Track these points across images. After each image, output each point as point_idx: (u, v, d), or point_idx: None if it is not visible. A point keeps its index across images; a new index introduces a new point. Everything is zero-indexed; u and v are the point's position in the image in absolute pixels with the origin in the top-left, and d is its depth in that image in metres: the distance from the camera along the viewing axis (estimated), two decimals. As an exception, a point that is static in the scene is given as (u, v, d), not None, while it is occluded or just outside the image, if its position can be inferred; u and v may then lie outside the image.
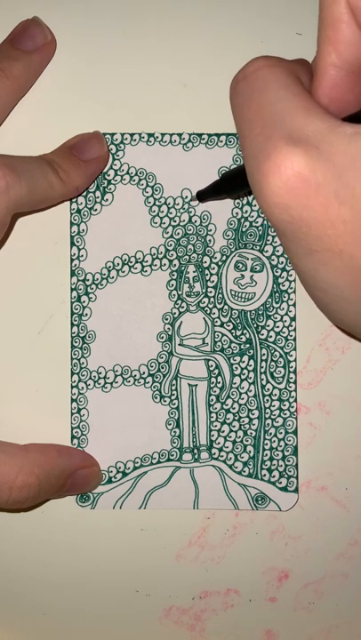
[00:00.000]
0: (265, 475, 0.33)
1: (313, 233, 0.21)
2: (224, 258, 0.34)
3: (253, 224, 0.34)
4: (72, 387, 0.34)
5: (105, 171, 0.33)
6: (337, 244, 0.21)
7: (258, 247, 0.34)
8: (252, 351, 0.33)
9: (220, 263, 0.34)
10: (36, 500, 0.31)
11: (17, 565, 0.34)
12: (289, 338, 0.33)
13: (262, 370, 0.33)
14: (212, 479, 0.33)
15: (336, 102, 0.23)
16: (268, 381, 0.33)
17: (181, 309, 0.34)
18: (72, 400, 0.34)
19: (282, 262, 0.34)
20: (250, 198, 0.33)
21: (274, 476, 0.33)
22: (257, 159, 0.21)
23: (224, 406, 0.34)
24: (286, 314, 0.33)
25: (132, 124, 0.33)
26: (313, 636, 0.34)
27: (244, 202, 0.33)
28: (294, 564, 0.34)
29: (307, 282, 0.23)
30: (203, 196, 0.33)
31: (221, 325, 0.34)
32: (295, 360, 0.33)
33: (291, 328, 0.33)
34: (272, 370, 0.33)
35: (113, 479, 0.34)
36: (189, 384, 0.34)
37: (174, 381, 0.34)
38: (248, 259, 0.34)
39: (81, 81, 0.33)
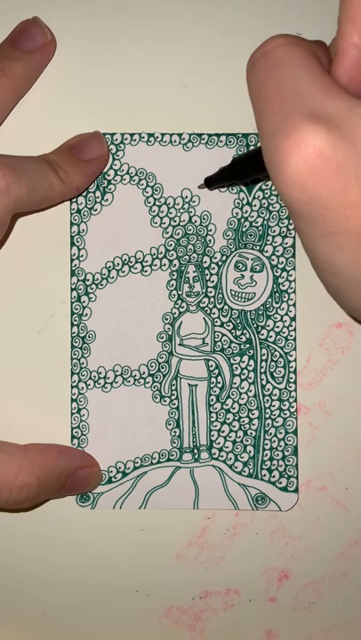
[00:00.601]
0: (265, 475, 0.33)
1: (331, 214, 0.20)
2: (224, 258, 0.34)
3: (253, 224, 0.34)
4: (72, 387, 0.34)
5: (105, 171, 0.33)
6: (356, 227, 0.20)
7: (258, 247, 0.34)
8: (252, 351, 0.33)
9: (220, 263, 0.34)
10: (35, 500, 0.31)
11: (17, 565, 0.34)
12: (289, 338, 0.33)
13: (262, 370, 0.33)
14: (212, 479, 0.33)
15: (356, 83, 0.22)
16: (268, 381, 0.33)
17: (181, 309, 0.34)
18: (72, 400, 0.34)
19: (282, 262, 0.34)
20: (250, 198, 0.33)
21: (274, 476, 0.33)
22: (275, 137, 0.21)
23: (224, 406, 0.34)
24: (286, 314, 0.33)
25: (132, 124, 0.33)
26: (313, 636, 0.34)
27: (244, 202, 0.33)
28: (294, 564, 0.34)
29: (321, 266, 0.23)
30: (211, 182, 0.32)
31: (221, 325, 0.34)
32: (295, 360, 0.33)
33: (291, 328, 0.33)
34: (272, 370, 0.33)
35: (113, 479, 0.34)
36: (189, 384, 0.34)
37: (174, 381, 0.34)
38: (248, 259, 0.34)
39: (81, 81, 0.33)
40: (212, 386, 0.34)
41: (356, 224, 0.20)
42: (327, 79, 0.21)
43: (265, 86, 0.22)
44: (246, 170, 0.30)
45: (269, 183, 0.33)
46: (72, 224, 0.34)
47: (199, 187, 0.33)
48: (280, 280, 0.33)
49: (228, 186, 0.33)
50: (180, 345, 0.34)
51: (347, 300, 0.23)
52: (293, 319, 0.33)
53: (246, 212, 0.33)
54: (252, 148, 0.33)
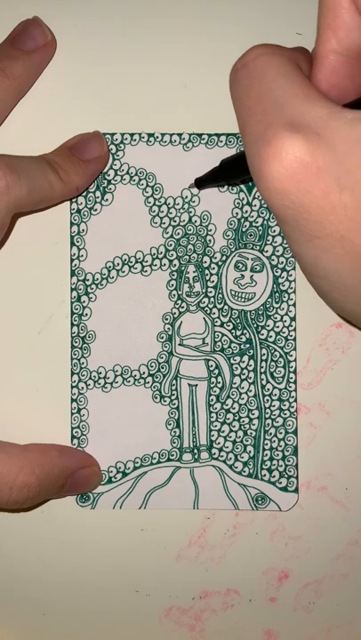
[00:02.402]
0: (265, 475, 0.33)
1: (314, 219, 0.21)
2: (224, 258, 0.34)
3: (253, 224, 0.34)
4: (72, 387, 0.34)
5: (105, 171, 0.33)
6: (338, 230, 0.21)
7: (258, 247, 0.34)
8: (252, 351, 0.33)
9: (220, 263, 0.34)
10: (35, 500, 0.31)
11: (17, 565, 0.34)
12: (289, 338, 0.33)
13: (262, 370, 0.33)
14: (212, 479, 0.33)
15: (336, 89, 0.23)
16: (268, 381, 0.33)
17: (181, 309, 0.34)
18: (72, 400, 0.34)
19: (282, 262, 0.34)
20: (250, 198, 0.33)
21: (274, 476, 0.33)
22: (257, 145, 0.21)
23: (224, 406, 0.34)
24: (286, 314, 0.33)
25: (132, 124, 0.33)
26: (313, 636, 0.34)
27: (244, 202, 0.33)
28: (294, 564, 0.34)
29: (308, 270, 0.23)
30: (201, 183, 0.32)
31: (221, 325, 0.34)
32: (295, 360, 0.33)
33: (291, 328, 0.33)
34: (272, 370, 0.33)
35: (113, 479, 0.34)
36: (189, 384, 0.34)
37: (174, 381, 0.34)
38: (248, 259, 0.34)
39: (81, 81, 0.33)
40: (212, 386, 0.34)
41: (338, 228, 0.21)
42: (307, 87, 0.22)
43: (246, 96, 0.23)
44: (234, 172, 0.30)
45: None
46: (72, 224, 0.34)
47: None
48: (280, 280, 0.33)
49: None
50: (180, 345, 0.34)
51: (335, 302, 0.24)
52: (293, 319, 0.33)
53: (246, 212, 0.33)
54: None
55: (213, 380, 0.34)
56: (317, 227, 0.21)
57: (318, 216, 0.21)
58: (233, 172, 0.30)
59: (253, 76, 0.23)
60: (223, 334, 0.34)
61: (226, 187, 0.33)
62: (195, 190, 0.33)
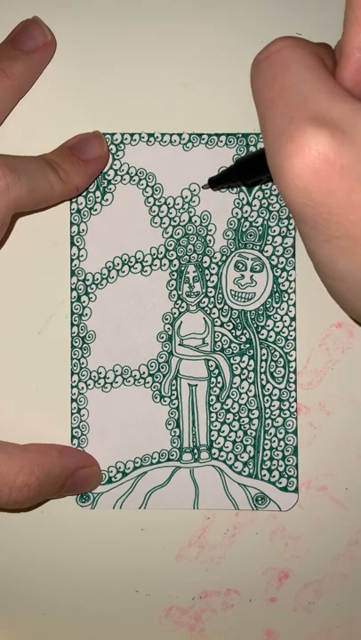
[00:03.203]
0: (265, 475, 0.33)
1: (334, 219, 0.20)
2: (224, 258, 0.34)
3: (253, 224, 0.34)
4: (72, 387, 0.34)
5: (105, 171, 0.33)
6: (359, 231, 0.20)
7: (258, 247, 0.34)
8: (252, 351, 0.33)
9: (220, 263, 0.34)
10: (35, 500, 0.31)
11: (17, 565, 0.34)
12: (289, 338, 0.33)
13: (262, 370, 0.33)
14: (212, 479, 0.33)
15: (360, 86, 0.22)
16: (268, 381, 0.33)
17: (181, 309, 0.34)
18: (72, 400, 0.34)
19: (282, 262, 0.34)
20: (250, 198, 0.33)
21: (274, 476, 0.33)
22: (279, 140, 0.21)
23: (224, 406, 0.34)
24: (286, 314, 0.33)
25: (132, 124, 0.33)
26: (313, 636, 0.34)
27: (244, 202, 0.33)
28: (294, 564, 0.34)
29: (323, 270, 0.23)
30: (215, 182, 0.32)
31: (221, 325, 0.34)
32: (295, 360, 0.33)
33: (291, 328, 0.33)
34: (272, 370, 0.33)
35: (113, 479, 0.34)
36: (189, 384, 0.34)
37: (174, 381, 0.34)
38: (248, 259, 0.34)
39: (81, 81, 0.33)
40: (212, 386, 0.34)
41: (359, 228, 0.20)
42: (331, 82, 0.21)
43: (269, 89, 0.22)
44: (250, 171, 0.30)
45: (270, 183, 0.33)
46: (72, 224, 0.34)
47: (203, 187, 0.33)
48: (280, 280, 0.33)
49: (232, 186, 0.33)
50: (180, 345, 0.34)
51: (349, 304, 0.23)
52: (293, 319, 0.33)
53: (246, 212, 0.33)
54: (252, 148, 0.33)
55: (213, 379, 0.34)
56: (337, 227, 0.21)
57: (339, 216, 0.20)
58: (249, 172, 0.30)
59: (277, 68, 0.22)
60: (223, 334, 0.34)
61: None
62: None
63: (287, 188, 0.21)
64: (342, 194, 0.20)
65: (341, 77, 0.22)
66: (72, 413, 0.34)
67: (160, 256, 0.34)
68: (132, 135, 0.33)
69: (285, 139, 0.21)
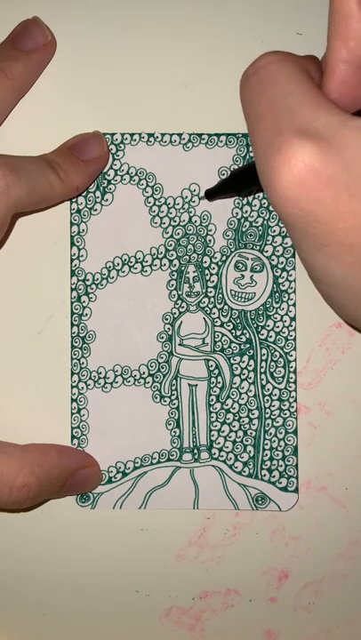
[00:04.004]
0: (265, 475, 0.33)
1: (323, 227, 0.21)
2: (224, 258, 0.34)
3: (253, 224, 0.34)
4: (72, 387, 0.34)
5: (105, 171, 0.33)
6: (347, 238, 0.21)
7: (258, 247, 0.34)
8: (252, 351, 0.33)
9: (220, 263, 0.34)
10: (35, 500, 0.31)
11: (17, 565, 0.34)
12: (289, 338, 0.33)
13: (262, 370, 0.33)
14: (212, 479, 0.33)
15: (346, 98, 0.23)
16: (268, 381, 0.33)
17: (181, 309, 0.34)
18: (72, 400, 0.34)
19: (282, 262, 0.34)
20: (250, 198, 0.33)
21: (274, 476, 0.33)
22: (267, 153, 0.21)
23: (224, 406, 0.34)
24: (286, 314, 0.33)
25: (132, 124, 0.33)
26: (313, 636, 0.34)
27: (244, 202, 0.33)
28: (294, 564, 0.34)
29: (316, 277, 0.23)
30: (212, 194, 0.32)
31: (221, 325, 0.34)
32: (295, 360, 0.33)
33: (291, 328, 0.33)
34: (272, 370, 0.33)
35: (113, 479, 0.34)
36: (189, 384, 0.34)
37: (174, 381, 0.34)
38: (248, 259, 0.34)
39: (81, 81, 0.33)
40: (212, 386, 0.34)
41: (347, 236, 0.21)
42: (317, 94, 0.22)
43: (257, 103, 0.23)
44: (244, 182, 0.30)
45: None
46: (72, 224, 0.34)
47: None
48: (280, 280, 0.33)
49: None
50: (180, 345, 0.34)
51: (343, 309, 0.24)
52: (293, 319, 0.33)
53: (246, 212, 0.33)
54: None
55: (213, 379, 0.34)
56: (327, 235, 0.21)
57: (328, 224, 0.21)
58: (244, 183, 0.30)
59: (265, 83, 0.23)
60: (223, 334, 0.34)
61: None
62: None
63: (277, 198, 0.21)
64: (330, 203, 0.21)
65: (327, 89, 0.23)
66: (72, 413, 0.34)
67: (160, 256, 0.34)
68: (132, 135, 0.33)
69: (273, 151, 0.21)
